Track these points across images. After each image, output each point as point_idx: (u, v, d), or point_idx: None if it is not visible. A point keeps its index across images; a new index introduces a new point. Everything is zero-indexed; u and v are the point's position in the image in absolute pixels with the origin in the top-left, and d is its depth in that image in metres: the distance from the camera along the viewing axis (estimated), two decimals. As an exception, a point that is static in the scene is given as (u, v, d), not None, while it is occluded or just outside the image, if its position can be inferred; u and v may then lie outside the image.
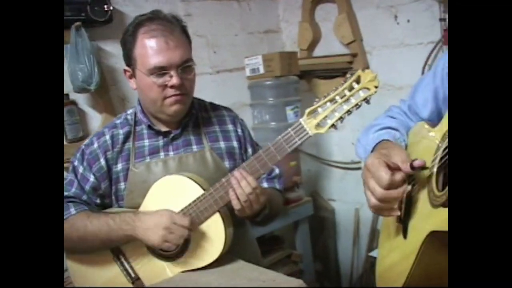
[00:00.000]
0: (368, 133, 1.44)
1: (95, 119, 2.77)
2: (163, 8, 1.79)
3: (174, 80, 1.62)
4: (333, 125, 1.47)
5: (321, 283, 3.63)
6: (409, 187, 1.15)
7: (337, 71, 3.29)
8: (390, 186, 1.12)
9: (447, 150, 1.08)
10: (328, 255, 3.67)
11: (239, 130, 1.89)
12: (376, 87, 1.43)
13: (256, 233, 2.27)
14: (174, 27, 1.67)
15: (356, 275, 3.51)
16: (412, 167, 1.12)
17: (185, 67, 1.66)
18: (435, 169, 1.14)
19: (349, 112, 1.46)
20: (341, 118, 1.47)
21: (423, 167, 1.14)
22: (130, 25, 1.68)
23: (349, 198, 3.49)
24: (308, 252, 3.37)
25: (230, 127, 1.88)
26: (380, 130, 1.41)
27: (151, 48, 1.61)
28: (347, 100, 1.45)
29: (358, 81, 1.45)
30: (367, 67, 3.16)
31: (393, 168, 1.15)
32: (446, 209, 0.99)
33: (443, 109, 1.34)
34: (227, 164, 1.80)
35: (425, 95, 1.40)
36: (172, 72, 1.62)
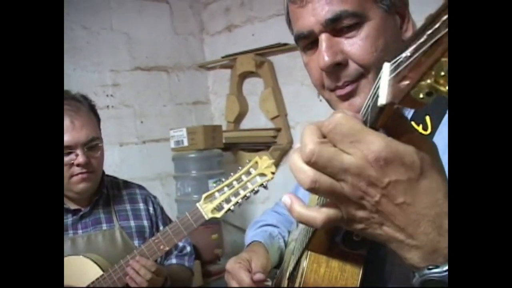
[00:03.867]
0: (252, 229, 1.46)
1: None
2: (92, 77, 1.81)
3: (80, 159, 1.62)
4: (229, 210, 1.49)
5: None
6: None
7: (262, 144, 3.34)
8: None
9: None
10: (252, 329, 3.60)
11: (151, 209, 1.89)
12: (273, 173, 1.46)
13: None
14: (80, 106, 1.68)
15: None
16: (252, 279, 1.14)
17: (92, 145, 1.66)
18: (287, 273, 1.16)
19: (246, 197, 1.48)
20: (237, 203, 1.49)
21: (262, 281, 1.16)
22: None
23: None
24: (231, 326, 3.29)
25: (141, 205, 1.87)
26: (260, 227, 1.42)
27: None
28: (245, 185, 1.47)
29: (255, 167, 1.48)
30: (291, 142, 3.23)
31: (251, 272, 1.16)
32: None
33: None
34: (136, 243, 1.78)
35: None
36: (78, 151, 1.62)
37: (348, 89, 0.92)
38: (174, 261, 1.89)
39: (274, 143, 3.26)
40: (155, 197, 1.95)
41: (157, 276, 1.57)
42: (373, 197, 0.54)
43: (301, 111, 3.22)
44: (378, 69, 0.90)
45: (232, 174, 1.49)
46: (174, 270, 1.78)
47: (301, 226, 1.02)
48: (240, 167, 1.50)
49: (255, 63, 3.28)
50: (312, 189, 0.59)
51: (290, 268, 1.04)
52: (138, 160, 3.24)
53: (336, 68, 0.90)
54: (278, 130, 3.26)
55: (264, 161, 1.48)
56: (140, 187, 1.94)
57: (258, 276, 1.14)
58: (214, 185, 3.05)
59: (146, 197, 1.91)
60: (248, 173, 1.48)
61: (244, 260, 1.18)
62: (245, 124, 3.57)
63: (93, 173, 1.69)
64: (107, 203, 1.81)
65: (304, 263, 0.88)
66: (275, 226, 1.42)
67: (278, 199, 3.13)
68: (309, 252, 0.88)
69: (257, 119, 3.46)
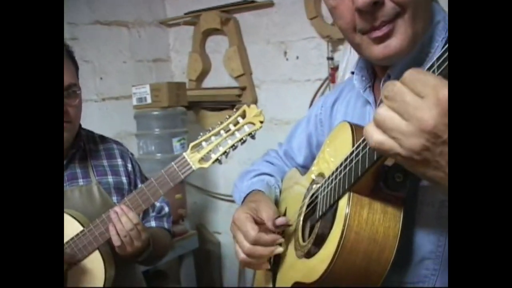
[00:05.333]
0: (244, 179, 1.42)
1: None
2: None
3: None
4: (217, 160, 1.44)
5: (206, 318, 3.56)
6: (281, 249, 1.12)
7: (225, 103, 3.29)
8: (257, 242, 1.10)
9: (313, 197, 1.07)
10: (213, 289, 3.61)
11: (129, 165, 1.80)
12: (261, 122, 1.42)
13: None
14: None
15: (241, 309, 3.47)
16: (274, 225, 1.11)
17: (69, 92, 1.55)
18: (301, 218, 1.12)
19: (234, 147, 1.44)
20: (225, 153, 1.44)
21: (287, 225, 1.13)
22: None
23: (235, 231, 3.47)
24: (193, 286, 3.28)
25: (119, 161, 1.79)
26: (255, 177, 1.39)
27: None
28: (232, 134, 1.43)
29: (243, 115, 1.43)
30: (256, 101, 3.19)
31: (260, 223, 1.12)
32: (308, 260, 0.98)
33: (316, 155, 1.34)
34: (115, 199, 1.70)
35: (299, 141, 1.40)
36: None
37: (385, 29, 0.89)
38: (153, 223, 1.82)
39: (238, 102, 3.21)
40: (132, 154, 1.87)
41: (139, 232, 1.51)
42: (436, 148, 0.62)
43: (266, 70, 3.18)
44: (415, 8, 0.89)
45: (219, 123, 1.44)
46: (155, 233, 1.70)
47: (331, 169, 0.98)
48: (227, 116, 1.45)
49: (220, 20, 3.19)
50: (377, 150, 0.68)
51: (319, 213, 0.99)
52: (97, 118, 3.13)
53: (373, 7, 0.87)
54: (243, 88, 3.21)
55: (252, 109, 1.43)
56: (117, 142, 1.85)
57: (281, 220, 1.10)
58: (178, 144, 3.05)
59: (123, 153, 1.82)
60: (235, 122, 1.43)
61: (251, 210, 1.14)
62: (208, 83, 3.50)
63: (70, 123, 1.58)
64: (84, 158, 1.71)
65: (346, 206, 0.85)
66: (270, 175, 1.38)
67: (243, 159, 3.12)
68: (351, 194, 0.86)
69: (220, 78, 3.40)
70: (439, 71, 0.64)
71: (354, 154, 0.86)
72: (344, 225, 0.83)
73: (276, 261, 1.21)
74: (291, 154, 1.43)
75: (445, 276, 0.92)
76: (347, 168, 0.88)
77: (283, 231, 1.18)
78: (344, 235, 0.83)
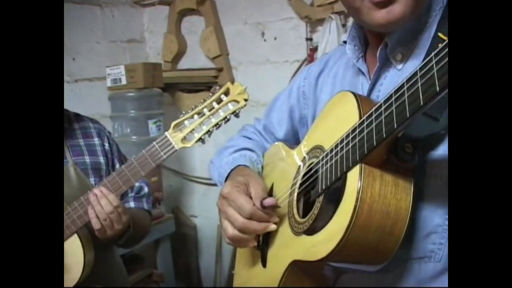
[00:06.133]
0: (222, 155, 1.35)
1: None
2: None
3: None
4: (200, 139, 1.40)
5: (183, 303, 3.54)
6: (274, 226, 1.06)
7: (202, 85, 3.24)
8: (252, 216, 1.03)
9: (311, 171, 1.03)
10: (190, 273, 3.58)
11: (106, 144, 1.75)
12: (245, 100, 1.39)
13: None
14: None
15: (219, 292, 3.45)
16: (262, 205, 1.04)
17: None
18: (295, 194, 1.07)
19: (217, 125, 1.40)
20: (209, 132, 1.40)
21: (275, 207, 1.07)
22: None
23: (212, 214, 3.43)
24: (170, 270, 3.26)
25: (96, 140, 1.73)
26: (235, 152, 1.31)
27: None
28: (216, 113, 1.39)
29: (227, 93, 1.39)
30: (232, 83, 3.14)
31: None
32: (309, 237, 0.94)
33: (299, 129, 1.30)
34: (92, 181, 1.64)
35: (280, 115, 1.34)
36: None
37: None
38: (132, 204, 1.76)
39: (215, 83, 3.16)
40: (109, 133, 1.81)
41: (120, 214, 1.47)
42: None
43: (243, 50, 3.13)
44: None
45: (202, 101, 1.39)
46: (134, 215, 1.65)
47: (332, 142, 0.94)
48: (210, 94, 1.40)
49: (196, 0, 3.13)
50: None
51: (322, 187, 0.95)
52: (70, 99, 3.03)
53: None
54: (219, 70, 3.16)
55: (236, 87, 1.39)
56: (93, 120, 1.79)
57: (269, 201, 1.04)
58: (154, 126, 2.99)
59: (100, 131, 1.76)
60: (219, 100, 1.39)
61: (241, 184, 1.07)
62: (183, 64, 3.45)
63: None
64: None
65: (358, 178, 0.81)
66: (252, 150, 1.32)
67: (219, 142, 3.08)
68: (363, 166, 0.82)
69: (196, 59, 3.35)
70: (437, 67, 0.62)
71: (365, 124, 0.83)
72: (357, 198, 0.80)
73: (265, 240, 1.16)
74: (270, 129, 1.37)
75: None
76: (357, 139, 0.84)
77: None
78: (357, 209, 0.80)
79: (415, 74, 0.69)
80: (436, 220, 0.89)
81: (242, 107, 1.38)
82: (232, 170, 1.23)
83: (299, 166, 1.11)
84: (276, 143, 1.33)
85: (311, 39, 2.78)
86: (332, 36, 2.57)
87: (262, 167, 1.31)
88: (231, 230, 1.06)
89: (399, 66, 0.97)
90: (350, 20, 2.53)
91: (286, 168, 1.17)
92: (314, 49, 2.76)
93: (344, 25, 2.59)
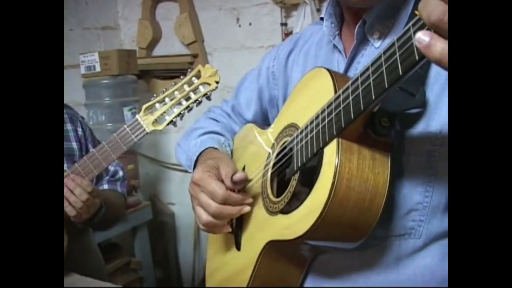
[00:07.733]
0: (190, 137, 1.32)
1: None
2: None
3: None
4: (172, 122, 1.40)
5: (161, 290, 3.53)
6: (248, 207, 1.05)
7: (177, 71, 3.20)
8: (226, 201, 1.02)
9: (286, 149, 1.02)
10: (168, 260, 3.58)
11: (79, 130, 1.73)
12: (217, 82, 1.39)
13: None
14: None
15: (198, 279, 3.45)
16: (232, 181, 1.04)
17: None
18: (268, 174, 1.06)
19: (188, 108, 1.40)
20: (180, 115, 1.40)
21: (246, 180, 1.07)
22: None
23: (189, 201, 3.37)
24: (148, 258, 3.24)
25: (68, 126, 1.71)
26: (203, 135, 1.30)
27: None
28: (187, 95, 1.38)
29: (198, 76, 1.39)
30: (206, 67, 3.13)
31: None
32: (285, 216, 0.93)
33: (268, 109, 1.29)
34: (65, 167, 1.62)
35: (248, 95, 1.33)
36: None
37: None
38: (106, 186, 1.76)
39: (190, 70, 3.14)
40: (83, 118, 1.80)
41: (94, 198, 1.46)
42: None
43: (218, 37, 3.11)
44: None
45: (173, 83, 1.39)
46: (106, 195, 1.65)
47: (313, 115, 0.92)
48: (181, 77, 1.40)
49: (170, -15, 3.11)
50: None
51: (297, 164, 0.94)
52: (44, 87, 3.02)
53: None
54: (194, 56, 3.14)
55: (207, 69, 1.39)
56: (66, 106, 1.77)
57: (239, 175, 1.04)
58: (129, 113, 2.97)
59: (72, 117, 1.74)
60: (190, 82, 1.38)
61: (212, 167, 1.06)
62: (158, 51, 3.41)
63: None
64: None
65: (336, 153, 0.81)
66: (220, 134, 1.30)
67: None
68: (340, 140, 0.82)
69: (171, 46, 3.31)
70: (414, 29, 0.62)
71: (342, 98, 0.82)
72: (335, 173, 0.79)
73: (239, 223, 1.15)
74: (239, 110, 1.36)
75: (431, 227, 0.90)
76: (334, 113, 0.83)
77: (246, 189, 1.12)
78: (335, 184, 0.79)
79: (392, 45, 0.68)
80: (416, 197, 0.89)
81: (213, 90, 1.38)
82: (200, 153, 1.22)
83: (273, 144, 1.10)
84: (247, 125, 1.31)
85: (285, 24, 2.78)
86: (307, 21, 2.57)
87: (232, 151, 1.30)
88: (205, 217, 1.04)
89: (377, 44, 0.97)
90: (325, 5, 2.54)
91: (258, 149, 1.16)
92: (289, 34, 2.75)
93: (318, 10, 2.58)
